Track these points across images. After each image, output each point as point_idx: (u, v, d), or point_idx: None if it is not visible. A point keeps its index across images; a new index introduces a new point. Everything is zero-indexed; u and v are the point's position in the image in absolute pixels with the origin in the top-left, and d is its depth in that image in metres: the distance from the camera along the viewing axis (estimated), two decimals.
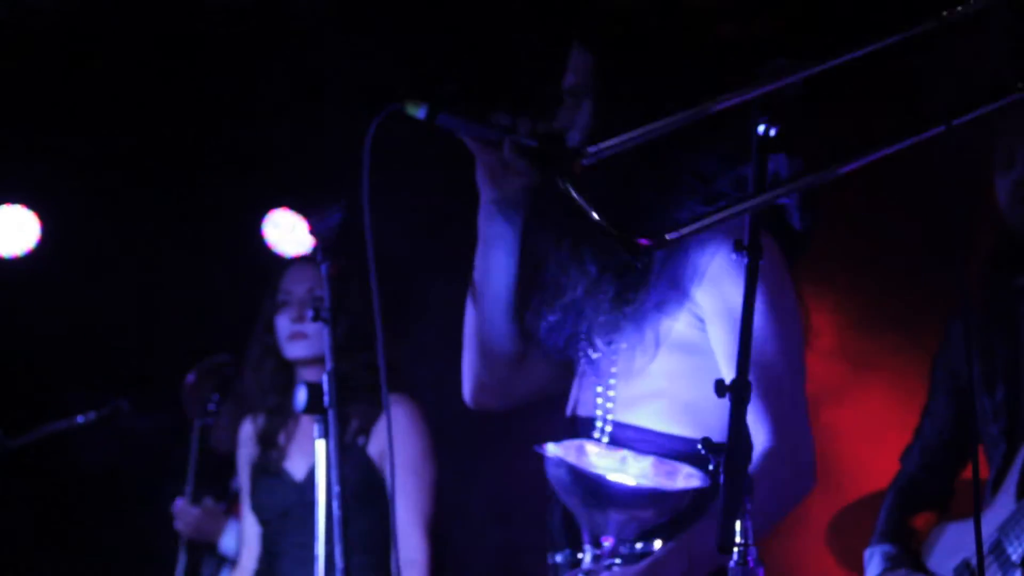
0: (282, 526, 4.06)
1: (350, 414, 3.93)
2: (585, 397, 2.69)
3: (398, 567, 3.94)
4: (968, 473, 3.66)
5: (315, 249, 2.89)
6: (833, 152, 1.82)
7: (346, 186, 2.79)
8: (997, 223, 3.47)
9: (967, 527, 3.43)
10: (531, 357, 2.82)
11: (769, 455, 2.45)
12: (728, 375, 2.45)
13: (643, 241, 1.75)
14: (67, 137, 5.37)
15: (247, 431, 4.23)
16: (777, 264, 2.55)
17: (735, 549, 1.81)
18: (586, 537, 2.56)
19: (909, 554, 3.55)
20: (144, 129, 5.47)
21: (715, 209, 1.82)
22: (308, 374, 4.08)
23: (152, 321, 5.75)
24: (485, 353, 2.80)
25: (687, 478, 2.49)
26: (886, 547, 3.58)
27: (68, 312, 5.48)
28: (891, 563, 3.53)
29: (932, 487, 3.65)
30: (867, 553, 3.63)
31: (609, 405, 2.64)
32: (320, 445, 2.81)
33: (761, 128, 1.90)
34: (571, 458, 2.55)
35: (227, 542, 4.62)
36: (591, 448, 2.58)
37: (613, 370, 2.64)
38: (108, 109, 5.39)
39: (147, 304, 5.75)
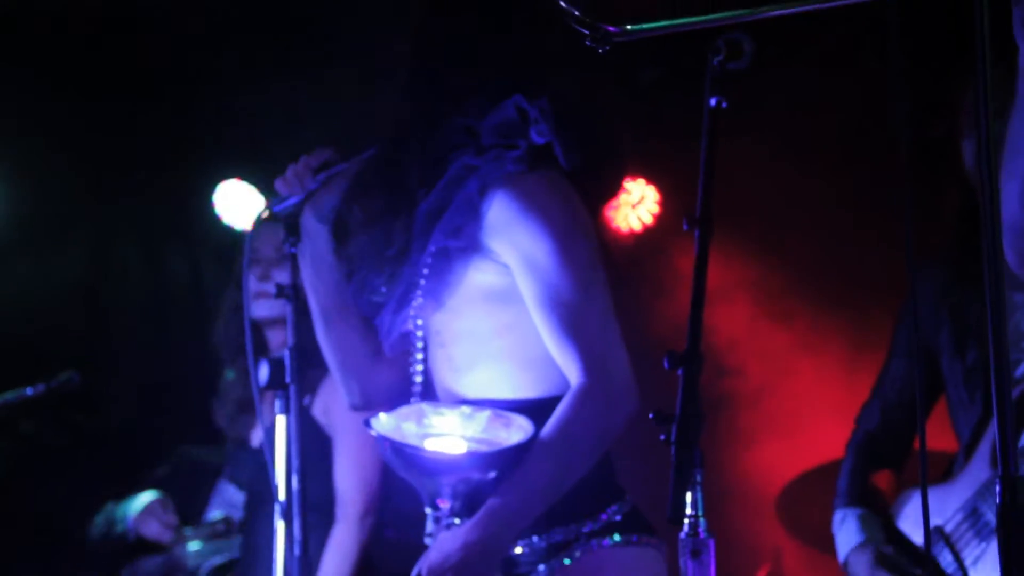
0: (254, 498, 4.07)
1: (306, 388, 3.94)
2: (424, 367, 2.73)
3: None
4: (931, 440, 3.67)
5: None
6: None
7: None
8: (963, 186, 3.49)
9: (937, 494, 3.44)
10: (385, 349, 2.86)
11: (581, 392, 2.49)
12: (537, 322, 2.54)
13: (609, 28, 1.90)
14: (15, 107, 5.32)
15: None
16: (559, 199, 2.59)
17: (685, 520, 1.84)
18: (425, 500, 2.58)
19: (879, 516, 3.57)
20: (94, 98, 5.43)
21: None
22: (273, 335, 4.07)
23: (101, 292, 5.72)
24: (344, 360, 2.86)
25: (518, 430, 2.51)
26: (858, 510, 3.59)
27: (16, 284, 5.44)
28: (868, 529, 3.53)
29: (891, 446, 3.67)
30: (837, 516, 3.62)
31: (444, 368, 2.68)
32: (281, 420, 2.82)
33: (712, 102, 1.91)
34: (403, 428, 2.58)
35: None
36: (429, 408, 2.61)
37: (434, 335, 2.69)
38: (58, 78, 5.34)
39: (97, 275, 5.72)
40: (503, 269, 2.59)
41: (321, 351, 2.90)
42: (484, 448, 2.53)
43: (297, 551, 2.73)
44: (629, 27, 1.93)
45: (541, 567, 2.57)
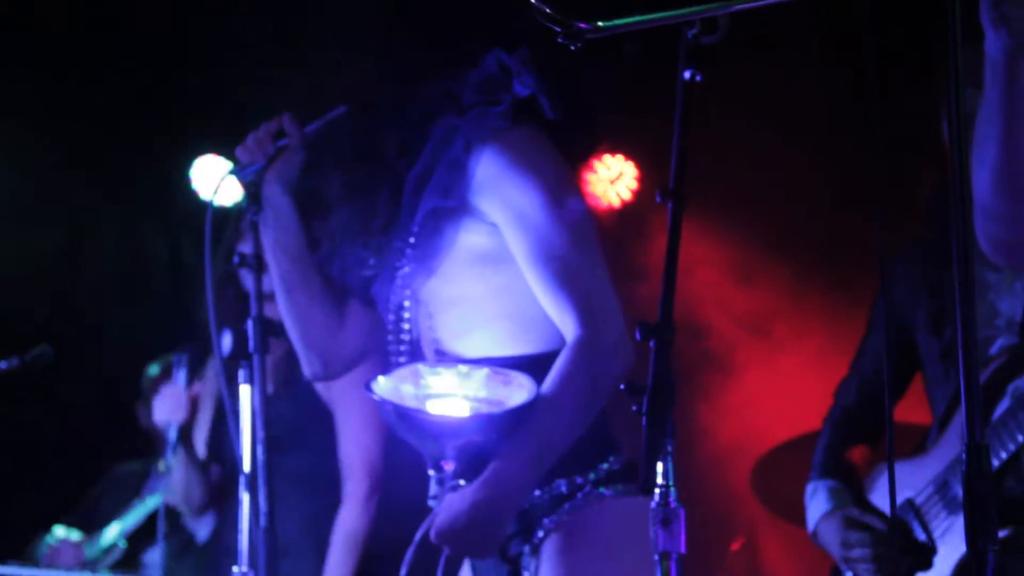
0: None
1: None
2: (418, 332, 2.71)
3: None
4: (903, 413, 3.71)
5: (242, 196, 2.89)
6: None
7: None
8: (943, 162, 3.50)
9: (909, 467, 3.48)
10: (349, 317, 2.86)
11: (578, 345, 2.47)
12: (528, 277, 2.52)
13: (581, 25, 1.92)
14: None
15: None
16: (546, 153, 2.58)
17: (656, 490, 1.84)
18: (428, 463, 2.56)
19: (851, 488, 3.61)
20: (73, 75, 5.41)
21: None
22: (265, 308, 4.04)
23: (77, 268, 5.71)
24: (305, 330, 2.84)
25: (519, 388, 2.49)
26: (829, 482, 3.63)
27: None
28: (837, 499, 3.58)
29: (868, 422, 3.69)
30: (809, 488, 3.67)
31: (437, 336, 2.67)
32: (245, 390, 2.81)
33: (687, 75, 1.91)
34: (402, 390, 2.55)
35: None
36: (425, 369, 2.58)
37: (425, 303, 2.67)
38: (35, 56, 5.32)
39: (73, 250, 5.71)
40: (492, 229, 2.57)
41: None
42: (487, 409, 2.51)
43: (263, 522, 2.72)
44: (601, 23, 1.92)
45: (546, 520, 2.56)
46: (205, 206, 5.17)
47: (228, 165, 5.22)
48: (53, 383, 4.99)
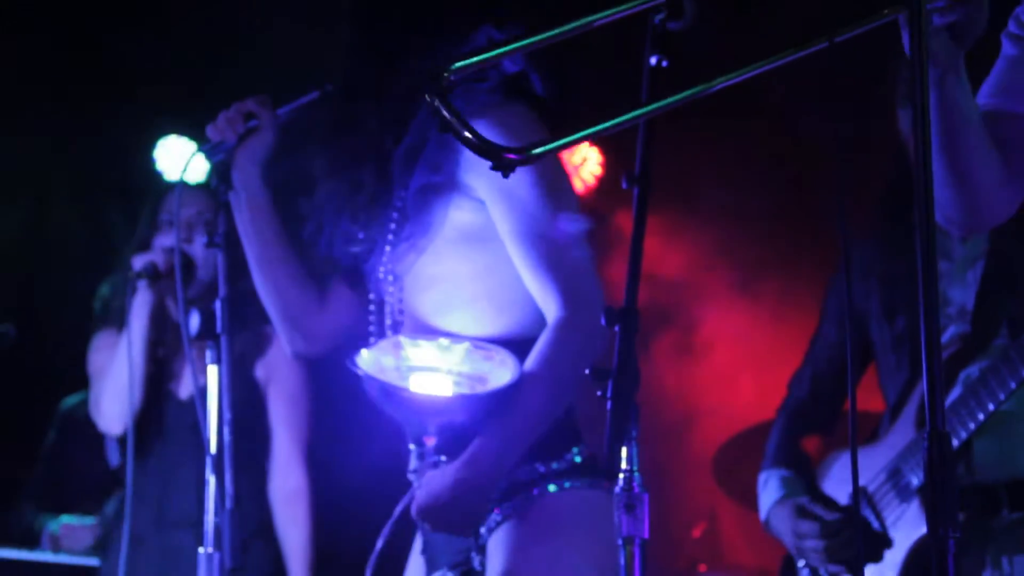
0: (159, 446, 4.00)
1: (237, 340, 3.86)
2: (400, 308, 2.71)
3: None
4: (859, 402, 3.73)
5: (209, 174, 2.88)
6: (716, 66, 1.85)
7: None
8: (898, 154, 3.53)
9: (861, 455, 3.48)
10: (332, 294, 2.86)
11: (561, 324, 2.49)
12: (513, 254, 2.53)
13: (511, 156, 1.73)
14: None
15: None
16: (535, 129, 2.57)
17: (620, 475, 1.85)
18: (409, 437, 2.58)
19: (803, 478, 3.64)
20: (33, 52, 5.37)
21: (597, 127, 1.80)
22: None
23: (40, 248, 5.68)
24: (285, 308, 2.84)
25: (500, 365, 2.51)
26: (782, 471, 3.66)
27: None
28: (789, 487, 3.61)
29: (821, 412, 3.73)
30: (762, 477, 3.70)
31: (418, 313, 2.66)
32: (212, 371, 2.81)
33: (653, 60, 1.92)
34: (383, 363, 2.56)
35: None
36: (406, 341, 2.59)
37: (409, 279, 2.67)
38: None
39: (35, 230, 5.67)
40: (479, 206, 2.58)
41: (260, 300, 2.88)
42: (469, 388, 2.52)
43: (229, 505, 2.72)
44: (535, 151, 1.75)
45: (504, 504, 2.55)
46: (168, 186, 5.18)
47: (193, 146, 5.22)
48: (15, 362, 4.95)
